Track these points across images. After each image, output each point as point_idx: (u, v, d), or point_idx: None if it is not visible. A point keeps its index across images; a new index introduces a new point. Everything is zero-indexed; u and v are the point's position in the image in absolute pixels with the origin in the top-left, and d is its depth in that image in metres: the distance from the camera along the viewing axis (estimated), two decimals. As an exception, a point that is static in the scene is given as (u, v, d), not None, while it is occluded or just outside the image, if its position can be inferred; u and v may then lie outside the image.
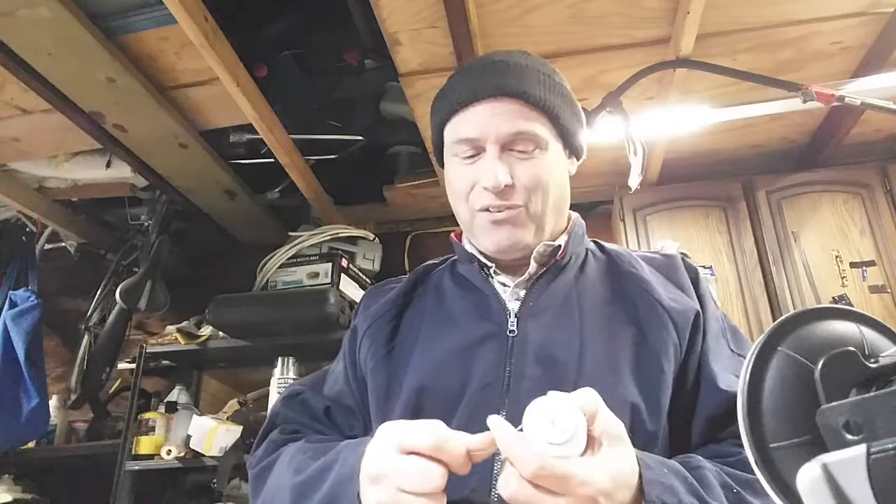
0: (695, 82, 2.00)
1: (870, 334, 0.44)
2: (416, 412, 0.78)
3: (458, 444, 0.60)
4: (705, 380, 0.77)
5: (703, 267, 2.28)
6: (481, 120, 0.82)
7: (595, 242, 0.94)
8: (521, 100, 0.81)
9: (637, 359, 0.77)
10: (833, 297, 2.15)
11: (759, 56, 1.93)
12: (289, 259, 2.36)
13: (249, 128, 2.10)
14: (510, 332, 0.80)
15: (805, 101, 1.56)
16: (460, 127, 0.84)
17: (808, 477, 0.36)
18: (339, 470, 0.69)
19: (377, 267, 2.57)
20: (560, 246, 0.85)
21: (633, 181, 1.60)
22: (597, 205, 2.78)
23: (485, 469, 0.69)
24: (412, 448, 0.60)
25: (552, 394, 0.59)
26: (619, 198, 2.43)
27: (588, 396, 0.60)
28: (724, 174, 2.50)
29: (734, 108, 1.87)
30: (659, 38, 1.85)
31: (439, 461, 0.59)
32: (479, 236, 0.85)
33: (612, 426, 0.60)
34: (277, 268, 2.35)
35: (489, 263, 0.87)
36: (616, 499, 0.57)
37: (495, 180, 0.79)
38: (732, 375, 0.77)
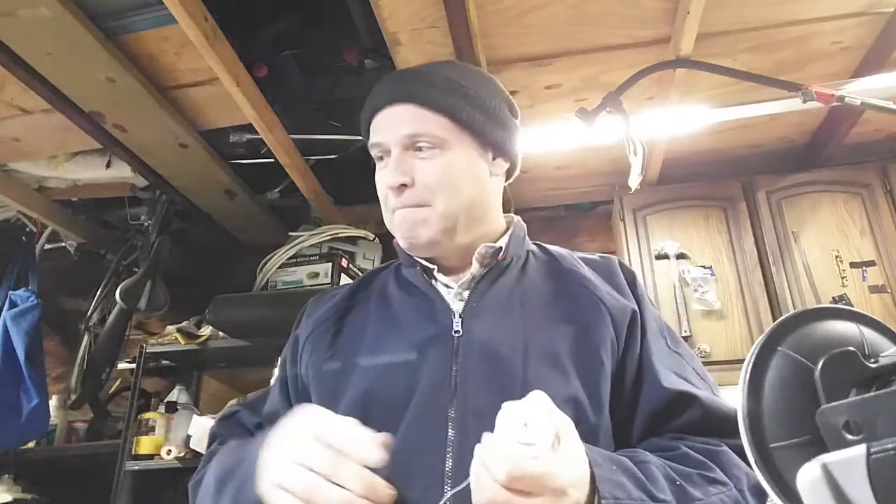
0: (695, 82, 2.00)
1: (870, 334, 0.44)
2: (362, 416, 0.78)
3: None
4: (647, 377, 0.80)
5: (703, 267, 2.28)
6: (381, 126, 0.89)
7: (537, 244, 0.97)
8: (413, 103, 0.86)
9: (579, 353, 0.79)
10: (833, 297, 2.15)
11: (759, 56, 1.93)
12: (289, 259, 2.36)
13: (249, 128, 2.10)
14: (455, 332, 0.82)
15: (805, 101, 1.56)
16: (370, 135, 0.91)
17: (808, 477, 0.36)
18: (247, 464, 0.71)
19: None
20: (501, 247, 0.88)
21: (633, 181, 1.61)
22: (597, 205, 2.78)
23: (437, 467, 0.71)
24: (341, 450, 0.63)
25: (519, 401, 0.61)
26: (619, 198, 2.43)
27: (542, 398, 0.62)
28: (724, 174, 2.50)
29: (734, 108, 1.87)
30: (659, 38, 1.84)
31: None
32: (397, 237, 0.90)
33: (566, 423, 0.63)
34: (277, 268, 2.35)
35: (431, 266, 0.89)
36: (580, 489, 0.60)
37: (392, 180, 0.85)
38: (673, 374, 0.81)
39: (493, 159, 0.91)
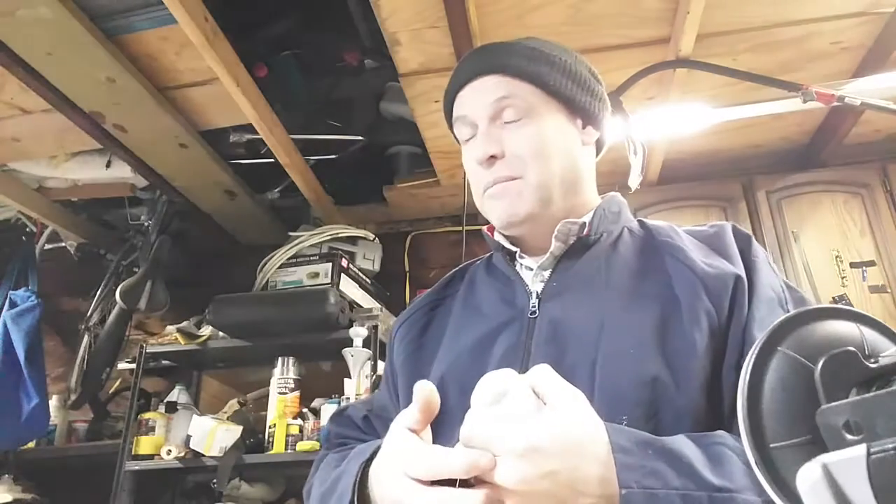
0: (695, 82, 2.00)
1: (870, 334, 0.44)
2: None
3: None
4: (748, 350, 0.72)
5: (703, 267, 2.28)
6: (467, 99, 0.86)
7: (639, 220, 0.91)
8: (499, 74, 0.84)
9: (665, 331, 0.72)
10: (833, 297, 2.15)
11: (759, 56, 1.93)
12: (289, 259, 2.36)
13: (249, 128, 2.10)
14: (531, 313, 0.79)
15: (805, 101, 1.56)
16: (455, 111, 0.88)
17: (808, 477, 0.36)
18: (345, 480, 0.71)
19: (377, 267, 2.57)
20: (584, 223, 0.83)
21: (633, 181, 1.60)
22: (597, 205, 2.78)
23: None
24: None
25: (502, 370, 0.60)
26: (619, 198, 2.43)
27: (538, 370, 0.59)
28: (724, 174, 2.50)
29: (734, 108, 1.87)
30: (659, 38, 1.84)
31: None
32: (489, 216, 0.86)
33: (563, 392, 0.58)
34: (277, 268, 2.35)
35: (514, 249, 0.87)
36: (568, 463, 0.54)
37: (481, 153, 0.82)
38: None
39: (583, 127, 0.89)
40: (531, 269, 0.84)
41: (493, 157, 0.82)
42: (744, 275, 0.76)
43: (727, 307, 0.73)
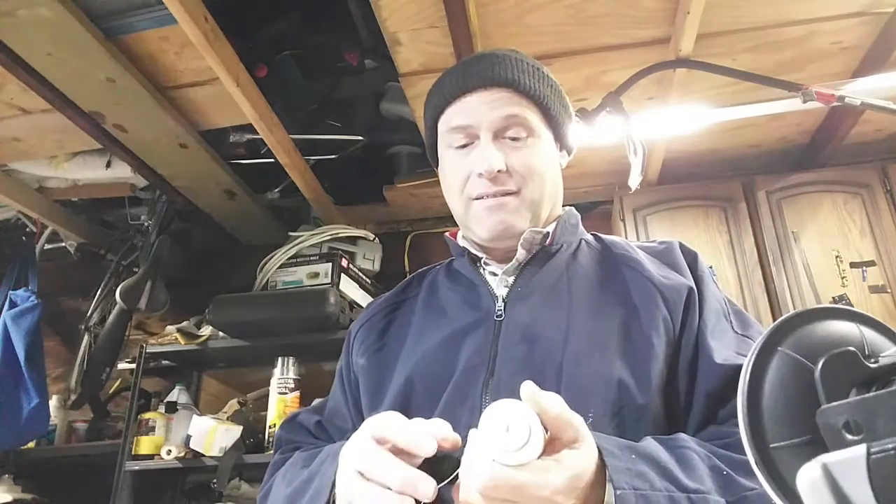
0: (695, 82, 2.00)
1: (870, 334, 0.44)
2: (404, 403, 0.79)
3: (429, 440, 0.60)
4: (702, 356, 0.76)
5: (703, 267, 2.28)
6: (473, 108, 0.85)
7: (593, 234, 0.96)
8: (511, 88, 0.85)
9: (626, 335, 0.77)
10: (833, 297, 2.15)
11: (759, 56, 1.93)
12: (289, 259, 2.36)
13: (249, 128, 2.10)
14: (497, 316, 0.81)
15: (805, 101, 1.56)
16: (453, 116, 0.87)
17: (808, 477, 0.36)
18: (319, 481, 0.71)
19: (377, 267, 2.57)
20: (548, 233, 0.87)
21: (633, 181, 1.60)
22: (597, 205, 2.78)
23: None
24: (386, 440, 0.62)
25: (505, 400, 0.59)
26: (618, 198, 2.43)
27: (550, 399, 0.59)
28: (723, 174, 2.50)
29: (734, 108, 1.87)
30: (659, 38, 1.85)
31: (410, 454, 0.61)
32: (474, 225, 0.87)
33: (573, 427, 0.59)
34: (277, 268, 2.35)
35: (480, 255, 0.89)
36: (573, 495, 0.57)
37: (489, 165, 0.82)
38: (732, 351, 0.75)
39: (560, 150, 0.93)
40: (496, 275, 0.87)
41: (499, 171, 0.83)
42: (694, 287, 0.81)
43: (681, 315, 0.79)
